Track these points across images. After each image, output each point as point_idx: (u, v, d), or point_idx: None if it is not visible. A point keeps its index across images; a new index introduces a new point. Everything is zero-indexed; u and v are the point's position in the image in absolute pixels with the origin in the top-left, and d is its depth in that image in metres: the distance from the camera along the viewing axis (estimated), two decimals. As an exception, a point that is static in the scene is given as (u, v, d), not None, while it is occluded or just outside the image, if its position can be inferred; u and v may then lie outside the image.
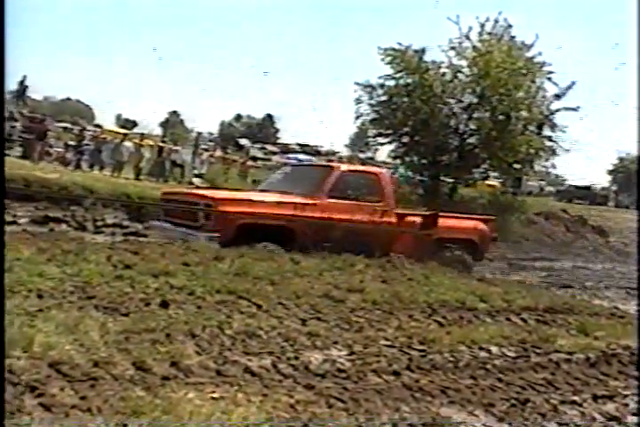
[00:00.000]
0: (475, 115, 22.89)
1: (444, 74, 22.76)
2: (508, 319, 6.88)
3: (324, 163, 12.34)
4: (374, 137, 24.51)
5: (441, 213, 11.97)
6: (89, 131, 28.13)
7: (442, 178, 23.62)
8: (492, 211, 22.28)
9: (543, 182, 55.93)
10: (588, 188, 55.20)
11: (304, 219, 10.24)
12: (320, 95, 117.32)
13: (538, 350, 5.69)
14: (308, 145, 65.86)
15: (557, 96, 22.86)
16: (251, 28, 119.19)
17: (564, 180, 57.82)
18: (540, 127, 22.90)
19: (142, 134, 32.88)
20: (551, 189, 57.03)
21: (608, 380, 5.15)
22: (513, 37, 22.47)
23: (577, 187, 53.70)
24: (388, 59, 22.44)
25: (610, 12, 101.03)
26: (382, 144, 24.83)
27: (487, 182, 28.37)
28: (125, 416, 3.21)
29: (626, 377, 5.26)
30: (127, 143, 27.57)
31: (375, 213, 11.01)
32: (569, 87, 22.67)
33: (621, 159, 71.64)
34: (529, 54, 22.45)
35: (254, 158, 43.10)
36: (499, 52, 21.77)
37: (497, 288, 8.67)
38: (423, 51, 22.49)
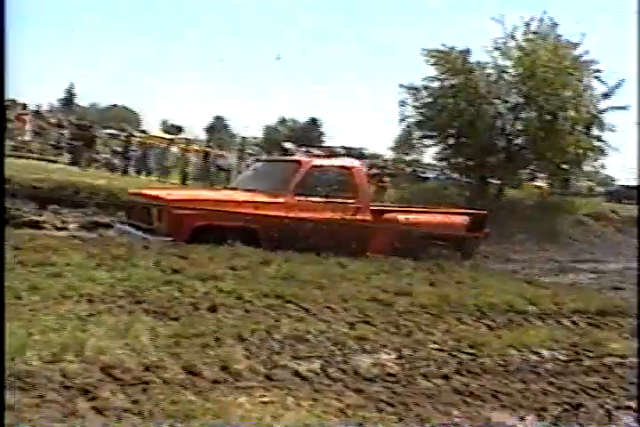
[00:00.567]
0: (521, 115, 22.58)
1: (489, 74, 22.53)
2: (559, 322, 6.78)
3: (292, 157, 11.78)
4: (419, 139, 24.34)
5: (414, 208, 11.76)
6: (135, 137, 28.36)
7: (488, 179, 23.40)
8: (540, 212, 22.12)
9: (592, 183, 55.01)
10: (638, 188, 54.10)
11: (268, 218, 9.57)
12: (368, 98, 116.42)
13: (590, 354, 5.61)
14: (353, 148, 65.64)
15: (606, 95, 22.44)
16: (295, 33, 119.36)
17: (614, 180, 56.84)
18: (588, 127, 22.46)
19: (188, 139, 33.15)
20: (600, 189, 56.07)
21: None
22: (559, 36, 22.17)
23: (627, 187, 52.67)
24: (433, 60, 22.32)
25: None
26: (428, 146, 24.68)
27: (534, 184, 27.99)
28: (177, 420, 3.24)
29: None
30: (173, 149, 27.82)
31: (348, 210, 10.45)
32: (617, 86, 22.27)
33: (672, 158, 70.17)
34: (575, 53, 22.13)
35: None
36: (544, 52, 21.46)
37: (546, 290, 8.56)
38: (468, 51, 22.29)
